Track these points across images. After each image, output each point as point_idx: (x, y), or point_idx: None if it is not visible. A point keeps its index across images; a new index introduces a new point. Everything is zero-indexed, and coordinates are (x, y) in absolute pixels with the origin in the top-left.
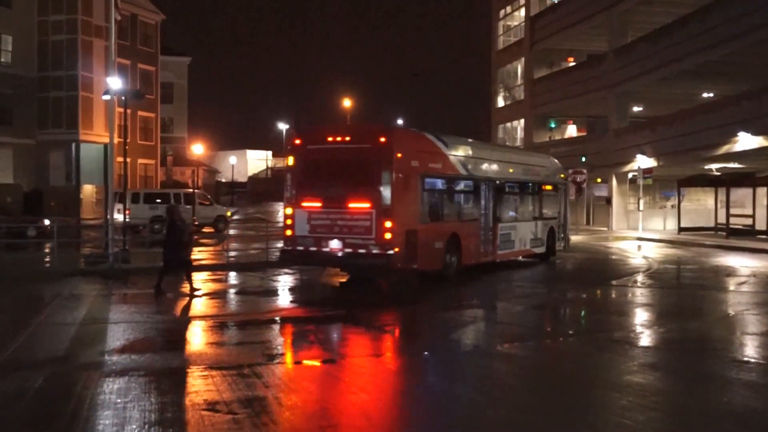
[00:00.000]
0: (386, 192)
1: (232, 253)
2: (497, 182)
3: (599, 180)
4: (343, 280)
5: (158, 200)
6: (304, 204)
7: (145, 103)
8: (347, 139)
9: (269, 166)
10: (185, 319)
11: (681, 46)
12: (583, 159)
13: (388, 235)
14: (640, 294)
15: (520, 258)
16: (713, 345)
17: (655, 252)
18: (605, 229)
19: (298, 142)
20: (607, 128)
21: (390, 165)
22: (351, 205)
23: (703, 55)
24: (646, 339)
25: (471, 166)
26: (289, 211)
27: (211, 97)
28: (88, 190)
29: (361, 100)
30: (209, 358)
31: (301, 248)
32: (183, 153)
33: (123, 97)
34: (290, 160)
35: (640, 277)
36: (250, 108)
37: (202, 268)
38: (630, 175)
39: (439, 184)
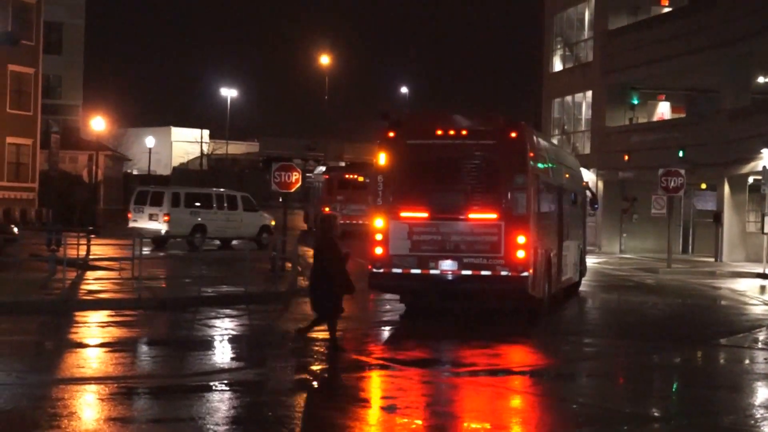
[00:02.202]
0: (520, 199)
1: (146, 284)
2: (564, 191)
3: (704, 186)
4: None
5: (197, 203)
6: (404, 214)
7: (20, 52)
8: (464, 132)
9: (206, 151)
10: (52, 379)
11: None
12: (681, 153)
13: (521, 253)
14: (763, 360)
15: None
16: None
17: None
18: (711, 259)
19: (392, 135)
20: (718, 108)
21: (524, 166)
22: (471, 215)
23: None
24: None
25: (552, 172)
26: (380, 223)
27: (119, 49)
28: None
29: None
30: None
31: (398, 270)
32: (75, 130)
33: None
34: (381, 159)
35: (762, 335)
36: (178, 66)
37: (101, 304)
38: (751, 180)
39: (544, 194)
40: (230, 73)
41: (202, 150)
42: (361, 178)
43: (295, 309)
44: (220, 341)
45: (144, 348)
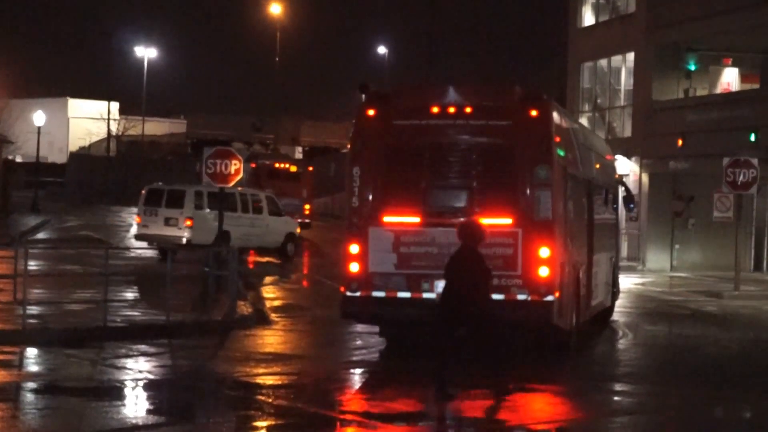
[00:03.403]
0: (543, 199)
1: (33, 310)
2: (594, 187)
3: None
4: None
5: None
6: (388, 219)
7: None
8: (468, 110)
9: (114, 132)
10: None
11: None
12: (753, 137)
13: (544, 271)
14: None
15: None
16: None
17: None
18: None
19: (372, 113)
20: None
21: (549, 155)
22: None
23: None
24: None
25: (582, 163)
26: (356, 231)
27: None
28: None
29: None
30: None
31: (379, 294)
32: None
33: None
34: (358, 145)
35: None
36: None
37: None
38: None
39: (572, 192)
40: (149, 30)
41: (109, 129)
42: (293, 168)
43: (234, 344)
44: (133, 388)
45: (29, 397)
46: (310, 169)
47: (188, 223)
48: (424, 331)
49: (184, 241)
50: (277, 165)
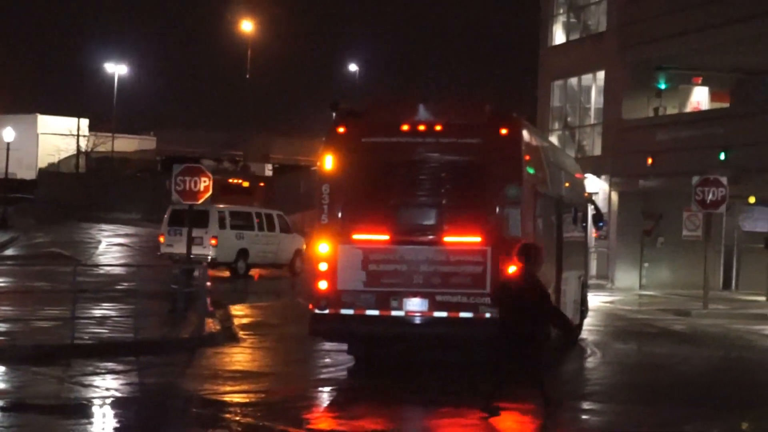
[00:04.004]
0: (513, 217)
1: (1, 327)
2: (563, 206)
3: (752, 200)
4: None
5: (240, 224)
6: (357, 237)
7: None
8: (438, 128)
9: (84, 148)
10: None
11: None
12: (723, 156)
13: None
14: None
15: None
16: None
17: None
18: (762, 297)
19: (342, 130)
20: None
21: (518, 173)
22: (448, 238)
23: None
24: None
25: (551, 181)
26: (325, 248)
27: None
28: None
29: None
30: None
31: (348, 311)
32: None
33: None
34: (328, 162)
35: None
36: (50, 35)
37: None
38: None
39: (542, 210)
40: (121, 47)
41: (78, 146)
42: (246, 183)
43: (202, 362)
44: (100, 405)
45: None
46: (262, 184)
47: (213, 242)
48: (393, 349)
49: (209, 259)
50: (230, 180)
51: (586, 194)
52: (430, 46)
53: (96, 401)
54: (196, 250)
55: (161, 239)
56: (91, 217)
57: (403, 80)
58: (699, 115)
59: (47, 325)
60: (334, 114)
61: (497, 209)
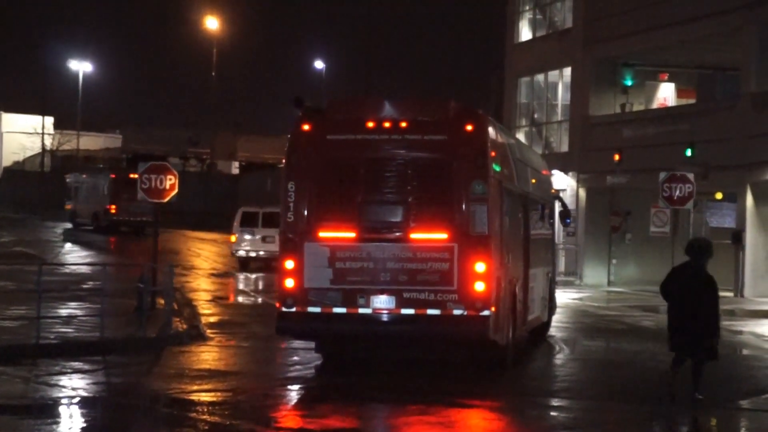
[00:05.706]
0: (479, 213)
1: None
2: (530, 202)
3: (719, 196)
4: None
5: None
6: (324, 234)
7: None
8: (403, 124)
9: (49, 146)
10: None
11: None
12: (689, 152)
13: (480, 286)
14: None
15: None
16: None
17: None
18: (729, 293)
19: (307, 127)
20: (739, 92)
21: (484, 169)
22: (414, 235)
23: None
24: None
25: (518, 177)
26: (291, 246)
27: None
28: None
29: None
30: None
31: (315, 309)
32: None
33: None
34: (293, 160)
35: None
36: (12, 30)
37: None
38: None
39: (508, 206)
40: (86, 45)
41: (43, 144)
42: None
43: (169, 361)
44: (66, 405)
45: None
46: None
47: None
48: (361, 347)
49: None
50: (131, 175)
51: (553, 191)
52: (397, 42)
53: (62, 401)
54: (268, 248)
55: (232, 239)
56: (56, 216)
57: (373, 77)
58: (665, 112)
59: (12, 324)
60: (298, 111)
61: (463, 206)
